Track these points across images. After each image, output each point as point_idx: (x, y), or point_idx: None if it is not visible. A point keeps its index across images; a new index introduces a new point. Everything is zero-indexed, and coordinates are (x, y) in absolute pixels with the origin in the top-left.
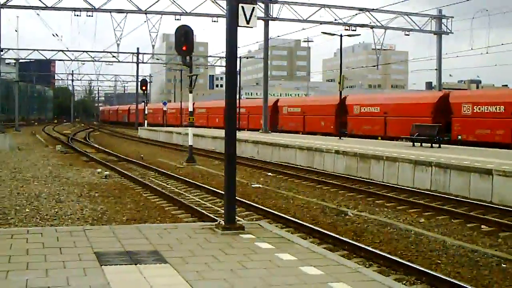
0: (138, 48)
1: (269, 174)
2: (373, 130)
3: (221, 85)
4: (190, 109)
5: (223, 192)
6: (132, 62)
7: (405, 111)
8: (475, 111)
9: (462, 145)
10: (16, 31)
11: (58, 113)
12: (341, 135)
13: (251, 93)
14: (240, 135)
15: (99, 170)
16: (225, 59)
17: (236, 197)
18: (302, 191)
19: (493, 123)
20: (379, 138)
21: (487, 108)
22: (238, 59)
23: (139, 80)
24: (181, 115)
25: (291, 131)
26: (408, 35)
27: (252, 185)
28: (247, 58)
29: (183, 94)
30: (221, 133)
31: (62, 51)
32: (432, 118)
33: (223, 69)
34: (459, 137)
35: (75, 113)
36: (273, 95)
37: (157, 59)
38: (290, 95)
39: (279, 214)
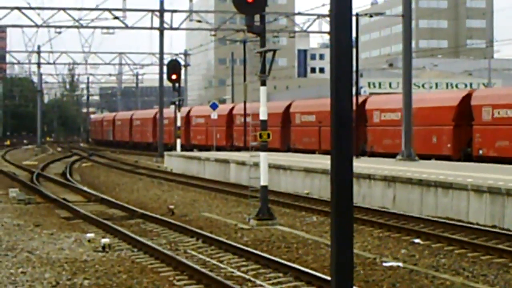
0: (162, 2)
1: (417, 240)
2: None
3: (321, 69)
4: (263, 116)
5: (329, 279)
6: (152, 28)
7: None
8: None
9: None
10: None
11: (14, 127)
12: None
13: (378, 84)
14: (359, 165)
15: (90, 235)
16: (329, 16)
17: (357, 287)
18: (483, 276)
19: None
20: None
21: (506, 112)
22: (354, 18)
23: (165, 62)
24: (245, 129)
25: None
26: None
27: (384, 263)
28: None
29: (249, 87)
30: (322, 162)
31: (20, 8)
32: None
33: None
34: (480, 151)
35: (45, 126)
36: (419, 86)
37: (199, 21)
38: (452, 85)
39: None
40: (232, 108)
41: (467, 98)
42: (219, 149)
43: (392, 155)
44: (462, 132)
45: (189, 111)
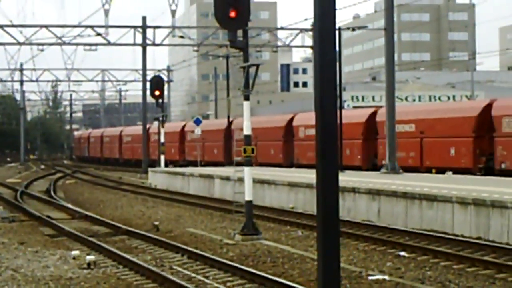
0: (144, 18)
1: (402, 253)
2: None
3: (304, 83)
4: (246, 131)
5: None
6: (134, 44)
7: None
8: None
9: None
10: None
11: None
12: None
13: (361, 97)
14: (344, 179)
15: (75, 252)
16: (311, 30)
17: None
18: None
19: None
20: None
21: None
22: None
23: (148, 78)
24: (225, 143)
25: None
26: None
27: (370, 276)
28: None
29: (232, 102)
30: (306, 176)
31: (2, 26)
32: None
33: (307, 53)
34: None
35: (28, 144)
36: (402, 99)
37: (181, 37)
38: (435, 98)
39: None
40: (184, 126)
41: (488, 108)
42: (210, 164)
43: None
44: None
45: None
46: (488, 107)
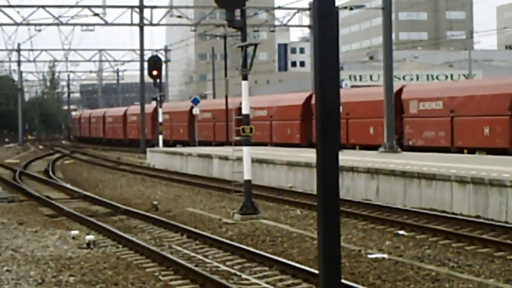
0: None
1: (401, 232)
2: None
3: (302, 63)
4: (245, 111)
5: (316, 272)
6: (132, 24)
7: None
8: None
9: None
10: None
11: None
12: None
13: (359, 76)
14: (341, 158)
15: (75, 232)
16: (309, 9)
17: (343, 279)
18: (468, 266)
19: None
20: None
21: None
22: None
23: (146, 58)
24: (227, 124)
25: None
26: None
27: (369, 255)
28: (351, 8)
29: (230, 82)
30: (306, 156)
31: None
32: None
33: (304, 32)
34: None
35: (26, 124)
36: (400, 78)
37: (179, 16)
38: (432, 77)
39: None
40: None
41: None
42: (205, 143)
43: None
44: None
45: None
46: None
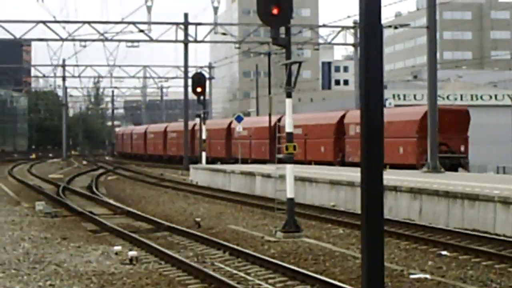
0: (186, 15)
1: (444, 252)
2: None
3: (346, 81)
4: (288, 129)
5: None
6: (176, 41)
7: None
8: None
9: None
10: None
11: (39, 141)
12: None
13: (403, 95)
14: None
15: (117, 248)
16: (353, 28)
17: None
18: (511, 287)
19: None
20: None
21: None
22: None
23: (190, 75)
24: (270, 141)
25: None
26: None
27: (412, 275)
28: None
29: (274, 100)
30: (347, 175)
31: (45, 22)
32: None
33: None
34: None
35: (70, 139)
36: (444, 98)
37: (223, 33)
38: (477, 97)
39: None
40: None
41: None
42: (254, 162)
43: None
44: None
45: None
46: None
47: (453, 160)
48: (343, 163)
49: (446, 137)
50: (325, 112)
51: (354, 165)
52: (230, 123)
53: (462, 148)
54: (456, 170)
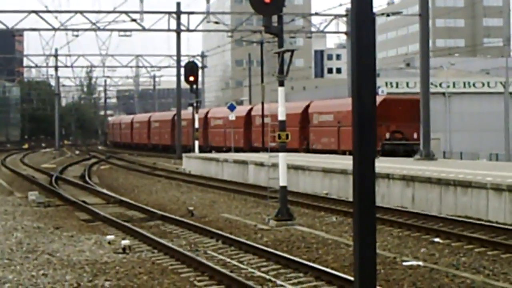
0: (178, 4)
1: (436, 239)
2: None
3: (338, 70)
4: (281, 117)
5: (351, 279)
6: (169, 30)
7: None
8: None
9: None
10: None
11: (32, 131)
12: None
13: (395, 83)
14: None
15: (110, 237)
16: (345, 16)
17: (377, 286)
18: (503, 274)
19: None
20: None
21: None
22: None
23: (182, 64)
24: (263, 129)
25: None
26: None
27: (404, 262)
28: (388, 15)
29: (266, 88)
30: (342, 162)
31: (37, 12)
32: None
33: (341, 39)
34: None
35: (63, 129)
36: (437, 85)
37: (216, 22)
38: (469, 84)
39: None
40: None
41: None
42: (237, 150)
43: None
44: None
45: (207, 113)
46: None
47: (407, 147)
48: (308, 150)
49: (400, 125)
50: (291, 102)
51: (318, 152)
52: (208, 113)
53: (415, 135)
54: (410, 156)
